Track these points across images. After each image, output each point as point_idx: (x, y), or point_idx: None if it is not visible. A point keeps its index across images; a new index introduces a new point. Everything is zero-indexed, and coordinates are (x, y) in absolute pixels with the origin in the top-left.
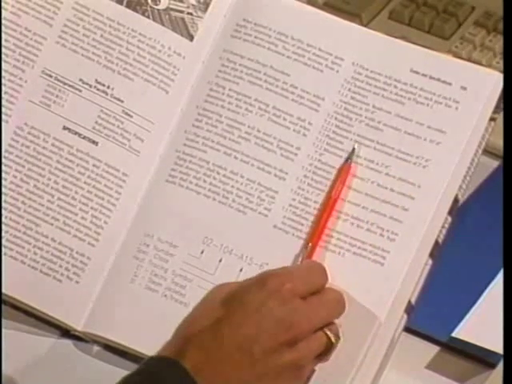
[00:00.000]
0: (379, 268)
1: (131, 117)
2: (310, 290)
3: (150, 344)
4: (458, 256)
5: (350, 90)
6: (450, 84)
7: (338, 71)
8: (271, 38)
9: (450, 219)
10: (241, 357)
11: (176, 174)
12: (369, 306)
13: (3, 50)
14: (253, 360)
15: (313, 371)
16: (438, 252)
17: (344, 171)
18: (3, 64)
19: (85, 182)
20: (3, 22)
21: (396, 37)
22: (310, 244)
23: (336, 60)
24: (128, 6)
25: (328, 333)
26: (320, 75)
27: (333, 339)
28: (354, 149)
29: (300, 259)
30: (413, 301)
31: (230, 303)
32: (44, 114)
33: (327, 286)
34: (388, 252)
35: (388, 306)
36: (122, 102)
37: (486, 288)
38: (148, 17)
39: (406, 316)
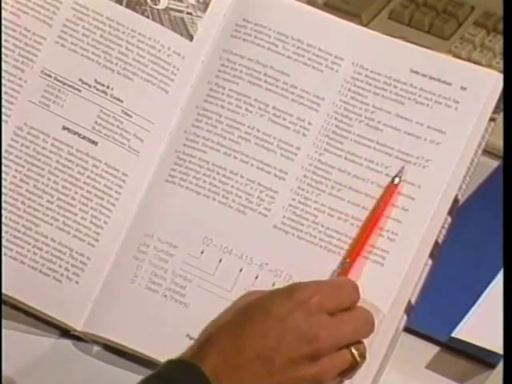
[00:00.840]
0: (379, 268)
1: (131, 117)
2: (338, 307)
3: (150, 344)
4: (458, 256)
5: (349, 89)
6: (449, 84)
7: (337, 71)
8: (271, 38)
9: (449, 219)
10: (260, 365)
11: (176, 174)
12: (369, 306)
13: (3, 50)
14: (272, 370)
15: None
16: (438, 252)
17: (390, 191)
18: (3, 64)
19: (84, 182)
20: (3, 22)
21: (396, 37)
22: (348, 260)
23: (336, 60)
24: (127, 6)
25: (353, 351)
26: (320, 75)
27: (358, 358)
28: (402, 168)
29: (333, 275)
30: (413, 301)
31: (254, 311)
32: (43, 113)
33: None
34: (388, 252)
35: (388, 306)
36: (122, 101)
37: (485, 288)
38: (147, 17)
39: (405, 316)
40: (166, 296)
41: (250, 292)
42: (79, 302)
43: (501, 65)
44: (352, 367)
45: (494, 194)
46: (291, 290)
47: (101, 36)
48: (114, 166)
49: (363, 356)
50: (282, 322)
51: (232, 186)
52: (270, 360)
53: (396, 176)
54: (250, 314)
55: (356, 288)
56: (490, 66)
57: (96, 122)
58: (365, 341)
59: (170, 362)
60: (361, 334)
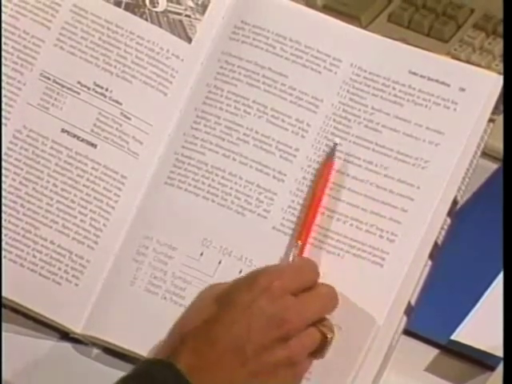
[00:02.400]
0: (379, 269)
1: (130, 119)
2: (300, 287)
3: (150, 346)
4: (458, 258)
5: (348, 91)
6: (448, 85)
7: (336, 73)
8: (269, 40)
9: (449, 220)
10: (234, 356)
11: (175, 176)
12: (368, 307)
13: (2, 52)
14: (245, 359)
15: (308, 369)
16: (438, 253)
17: (326, 167)
18: (2, 67)
19: (83, 185)
20: (2, 24)
21: (395, 39)
22: (299, 242)
23: (334, 62)
24: (126, 9)
25: (321, 328)
26: (318, 77)
27: (328, 335)
28: (335, 144)
29: (291, 258)
30: (412, 302)
31: (220, 303)
32: (42, 116)
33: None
34: (387, 253)
35: (387, 308)
36: (121, 104)
37: (485, 290)
38: (146, 19)
39: (405, 317)
40: (165, 298)
41: (211, 286)
42: (79, 305)
43: (500, 67)
44: (323, 345)
45: (493, 196)
46: (252, 278)
47: (99, 39)
48: (113, 169)
49: (332, 331)
50: (249, 310)
51: (231, 188)
52: (241, 350)
53: (331, 153)
54: (216, 308)
55: (315, 266)
56: (489, 68)
57: (95, 125)
58: (365, 342)
59: (146, 362)
60: (326, 309)
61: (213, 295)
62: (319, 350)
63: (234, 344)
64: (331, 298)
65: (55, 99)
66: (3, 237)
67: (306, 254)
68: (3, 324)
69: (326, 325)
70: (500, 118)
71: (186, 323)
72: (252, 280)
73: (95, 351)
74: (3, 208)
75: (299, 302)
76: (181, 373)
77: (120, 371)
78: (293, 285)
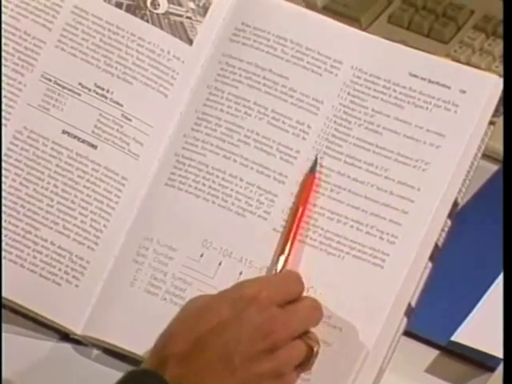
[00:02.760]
0: (379, 271)
1: (130, 121)
2: (286, 299)
3: (149, 347)
4: (458, 260)
5: (349, 93)
6: (449, 87)
7: (336, 75)
8: (270, 42)
9: (449, 222)
10: (221, 366)
11: (175, 177)
12: (368, 308)
13: (2, 53)
14: (232, 369)
15: (295, 381)
16: (438, 255)
17: (308, 182)
18: (2, 68)
19: (84, 186)
20: (3, 25)
21: (395, 41)
22: (282, 256)
23: (335, 64)
24: (127, 10)
25: (307, 341)
26: (319, 79)
27: (314, 347)
28: (316, 159)
29: (273, 271)
30: (413, 303)
31: (207, 313)
32: (43, 117)
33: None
34: (388, 255)
35: (388, 309)
36: (122, 105)
37: (485, 292)
38: (147, 21)
39: (405, 319)
40: (165, 299)
41: (196, 297)
42: (79, 306)
43: (500, 69)
44: (308, 357)
45: (493, 197)
46: (239, 289)
47: (100, 40)
48: (113, 170)
49: (317, 343)
50: (236, 321)
51: (231, 190)
52: (229, 360)
53: (313, 165)
54: (203, 318)
55: (300, 279)
56: (489, 69)
57: (96, 126)
58: (365, 343)
59: (133, 372)
60: (312, 321)
61: (199, 306)
62: (305, 362)
63: (221, 354)
64: (315, 310)
65: (56, 100)
66: (3, 237)
67: (306, 255)
68: (3, 325)
69: (311, 337)
70: (500, 120)
71: (172, 337)
72: (238, 291)
73: (95, 352)
74: (3, 209)
75: (285, 313)
76: (167, 383)
77: (120, 372)
78: (279, 296)
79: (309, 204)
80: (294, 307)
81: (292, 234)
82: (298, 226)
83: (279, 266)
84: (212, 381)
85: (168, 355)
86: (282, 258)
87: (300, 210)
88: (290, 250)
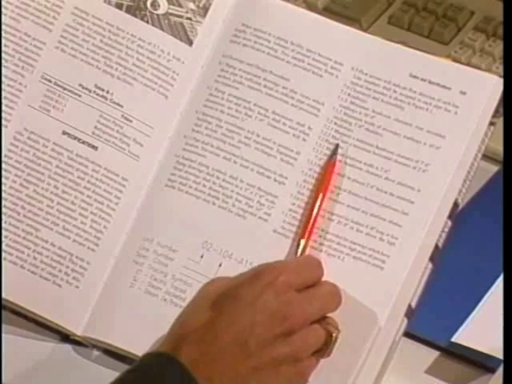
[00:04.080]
0: (379, 272)
1: (131, 121)
2: (304, 283)
3: (150, 348)
4: (458, 261)
5: (349, 94)
6: (449, 88)
7: (337, 76)
8: (271, 43)
9: (449, 223)
10: (236, 350)
11: (175, 178)
12: (369, 309)
13: (3, 54)
14: (248, 353)
15: (314, 367)
16: (438, 256)
17: (329, 168)
18: (3, 69)
19: (84, 187)
20: (3, 26)
21: (395, 42)
22: (303, 240)
23: (335, 65)
24: (127, 11)
25: (326, 326)
26: (319, 80)
27: (333, 332)
28: (337, 145)
29: (296, 255)
30: (413, 305)
31: (224, 298)
32: (43, 118)
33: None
34: (388, 256)
35: (388, 310)
36: (122, 106)
37: (485, 293)
38: (147, 22)
39: (406, 320)
40: (165, 300)
41: (213, 280)
42: (79, 307)
43: (500, 70)
44: (327, 343)
45: (493, 198)
46: (257, 273)
47: (101, 41)
48: (113, 171)
49: (337, 329)
50: (252, 305)
51: (232, 191)
52: (244, 344)
53: (333, 153)
54: (220, 302)
55: (319, 263)
56: (489, 70)
57: (96, 127)
58: (365, 344)
59: (149, 355)
60: (330, 307)
61: (216, 289)
62: (324, 348)
63: (236, 338)
64: (334, 295)
65: (56, 101)
66: (4, 239)
67: None
68: (3, 326)
69: (330, 322)
70: (500, 121)
71: (187, 320)
72: (256, 275)
73: (95, 353)
74: (4, 210)
75: (303, 297)
76: (184, 366)
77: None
78: (297, 280)
79: (309, 205)
80: (312, 292)
81: (312, 220)
82: (318, 210)
83: (299, 251)
84: (227, 364)
85: (183, 338)
86: (303, 242)
87: (321, 196)
88: (309, 236)
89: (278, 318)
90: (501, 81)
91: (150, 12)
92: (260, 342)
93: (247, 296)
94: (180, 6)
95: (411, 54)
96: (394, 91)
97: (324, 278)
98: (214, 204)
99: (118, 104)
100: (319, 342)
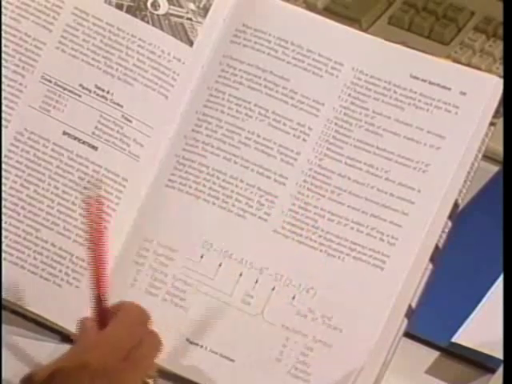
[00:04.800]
0: (379, 272)
1: (131, 122)
2: (123, 354)
3: None
4: (458, 261)
5: (349, 95)
6: (449, 89)
7: (337, 76)
8: (271, 44)
9: (450, 224)
10: None
11: (175, 178)
12: (369, 310)
13: (3, 55)
14: None
15: None
16: (439, 256)
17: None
18: (3, 69)
19: (85, 187)
20: (3, 27)
21: (396, 42)
22: (99, 295)
23: (336, 65)
24: (128, 12)
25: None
26: (320, 80)
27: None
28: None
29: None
30: (413, 305)
31: None
32: (44, 119)
33: None
34: (388, 256)
35: (388, 310)
36: (122, 107)
37: (486, 293)
38: (148, 22)
39: (406, 320)
40: (165, 300)
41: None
42: (79, 307)
43: (501, 70)
44: None
45: (494, 198)
46: (81, 363)
47: (101, 41)
48: (114, 171)
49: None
50: None
51: (232, 191)
52: None
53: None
54: None
55: (139, 315)
56: (489, 71)
57: (96, 127)
58: (365, 345)
59: None
60: (154, 360)
61: None
62: None
63: None
64: (157, 347)
65: (56, 102)
66: (4, 239)
67: (307, 257)
68: (4, 326)
69: (151, 376)
70: (500, 121)
71: None
72: (82, 366)
73: None
74: (4, 210)
75: (127, 366)
76: None
77: None
78: (113, 355)
79: (309, 205)
80: (133, 360)
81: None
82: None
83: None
84: None
85: None
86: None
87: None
88: (104, 290)
89: None
90: (501, 81)
91: (150, 12)
92: None
93: None
94: (180, 6)
95: (411, 54)
96: (395, 92)
97: (324, 278)
98: (213, 204)
99: (118, 104)
100: None
